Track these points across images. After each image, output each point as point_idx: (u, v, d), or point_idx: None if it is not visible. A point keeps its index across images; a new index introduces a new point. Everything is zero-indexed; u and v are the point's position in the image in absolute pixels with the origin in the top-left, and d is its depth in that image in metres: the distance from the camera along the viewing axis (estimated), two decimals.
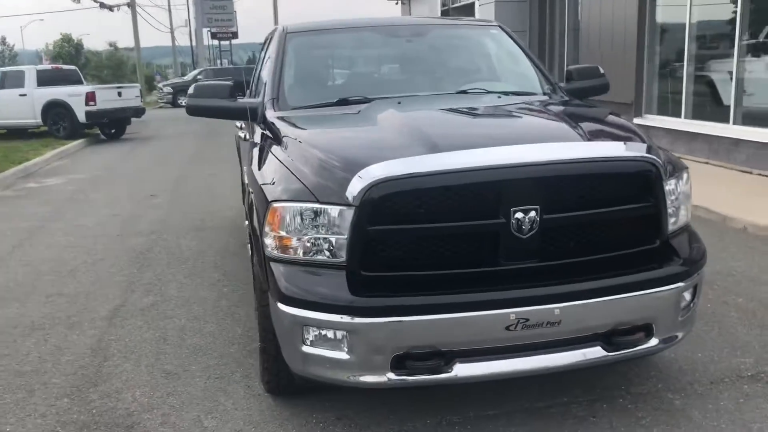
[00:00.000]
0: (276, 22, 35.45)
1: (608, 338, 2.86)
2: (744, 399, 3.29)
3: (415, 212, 2.71)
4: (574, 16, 14.01)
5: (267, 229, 2.93)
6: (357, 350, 2.70)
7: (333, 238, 2.75)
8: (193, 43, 46.97)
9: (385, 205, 2.67)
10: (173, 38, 56.57)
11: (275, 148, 3.36)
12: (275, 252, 2.91)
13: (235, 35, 42.65)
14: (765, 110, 8.85)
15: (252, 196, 3.31)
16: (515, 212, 2.71)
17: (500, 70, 4.43)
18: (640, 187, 2.91)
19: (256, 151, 3.65)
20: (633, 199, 2.90)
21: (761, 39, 8.82)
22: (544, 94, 4.12)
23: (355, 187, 2.67)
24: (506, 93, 4.03)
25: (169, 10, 57.46)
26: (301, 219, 2.81)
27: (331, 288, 2.75)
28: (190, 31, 48.44)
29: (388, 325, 2.66)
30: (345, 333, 2.70)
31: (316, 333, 2.77)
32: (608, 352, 2.86)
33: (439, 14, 19.68)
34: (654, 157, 2.90)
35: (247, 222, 3.77)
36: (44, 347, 4.37)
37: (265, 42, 5.46)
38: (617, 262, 2.91)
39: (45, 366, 4.09)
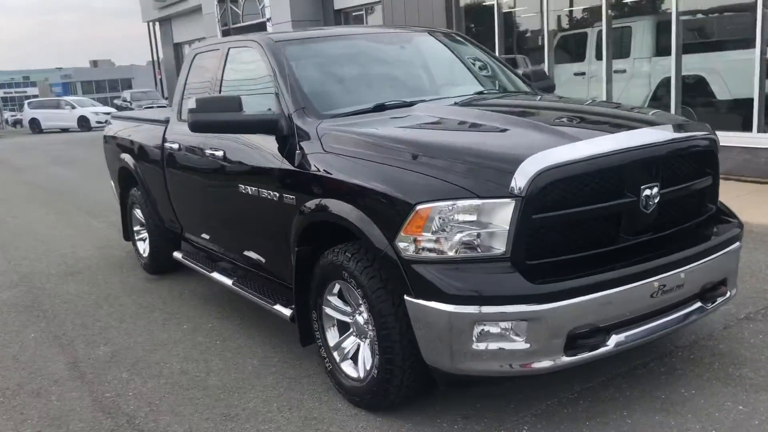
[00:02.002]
0: None
1: (703, 295, 3.25)
2: None
3: (568, 198, 2.85)
4: None
5: (407, 231, 2.85)
6: (537, 337, 2.76)
7: (491, 232, 2.77)
8: None
9: (547, 193, 2.78)
10: None
11: (361, 155, 3.24)
12: (421, 254, 2.85)
13: None
14: None
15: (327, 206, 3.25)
16: (644, 189, 2.98)
17: (492, 72, 4.67)
18: (707, 160, 3.36)
19: (315, 160, 3.46)
20: (702, 171, 3.35)
21: None
22: (535, 92, 4.46)
23: (521, 179, 2.73)
24: (516, 92, 4.30)
25: None
26: (455, 216, 2.79)
27: (504, 280, 2.77)
28: None
29: (567, 308, 2.76)
30: (526, 322, 2.74)
31: (491, 327, 2.77)
32: (706, 306, 3.25)
33: (220, 34, 19.31)
34: (714, 134, 3.37)
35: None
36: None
37: (190, 59, 5.11)
38: (698, 227, 3.33)
39: None
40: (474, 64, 4.68)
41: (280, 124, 3.76)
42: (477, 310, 2.75)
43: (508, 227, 2.75)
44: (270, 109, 3.94)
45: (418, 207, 2.82)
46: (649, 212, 3.04)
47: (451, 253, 2.82)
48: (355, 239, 3.32)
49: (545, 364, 2.82)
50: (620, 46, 10.29)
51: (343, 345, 3.52)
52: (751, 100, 8.10)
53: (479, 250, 2.80)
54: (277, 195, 3.73)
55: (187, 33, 24.19)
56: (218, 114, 3.78)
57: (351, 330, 3.50)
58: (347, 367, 3.48)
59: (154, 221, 5.94)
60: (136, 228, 6.49)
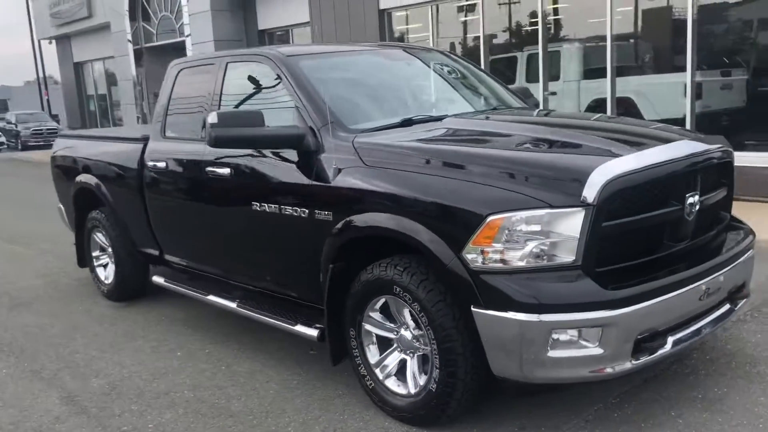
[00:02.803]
0: None
1: (730, 297, 3.46)
2: None
3: (629, 206, 2.97)
4: None
5: (476, 242, 2.87)
6: (610, 342, 2.83)
7: (562, 241, 2.84)
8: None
9: (614, 202, 2.87)
10: None
11: (413, 168, 3.22)
12: (489, 264, 2.87)
13: None
14: None
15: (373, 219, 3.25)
16: (688, 197, 3.15)
17: (493, 89, 4.77)
18: (726, 170, 3.59)
19: (355, 175, 3.41)
20: (722, 181, 3.57)
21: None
22: (535, 107, 4.62)
23: (592, 187, 2.81)
24: (523, 108, 4.42)
25: None
26: (526, 227, 2.83)
27: (578, 288, 2.83)
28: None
29: (637, 312, 2.85)
30: (600, 328, 2.81)
31: (565, 335, 2.82)
32: (732, 307, 3.46)
33: (132, 54, 18.64)
34: (730, 147, 3.61)
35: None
36: None
37: (174, 75, 4.93)
38: (719, 234, 3.55)
39: None
40: (477, 81, 4.77)
41: (306, 139, 3.68)
42: (553, 318, 2.79)
43: (578, 236, 2.82)
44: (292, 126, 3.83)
45: (490, 218, 2.84)
46: (690, 220, 3.20)
47: (521, 263, 2.85)
48: (402, 253, 3.30)
49: (616, 368, 2.89)
50: (550, 69, 10.77)
51: (386, 362, 3.47)
52: (677, 119, 8.66)
53: (550, 260, 2.85)
54: (306, 211, 3.64)
55: (90, 52, 23.16)
56: (242, 129, 3.67)
57: (394, 346, 3.45)
58: (392, 384, 3.43)
59: (123, 245, 5.62)
60: (95, 253, 6.13)
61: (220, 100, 4.42)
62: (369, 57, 4.50)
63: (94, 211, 5.89)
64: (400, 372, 3.44)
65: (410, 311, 3.25)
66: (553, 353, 2.83)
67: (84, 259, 6.27)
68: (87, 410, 3.85)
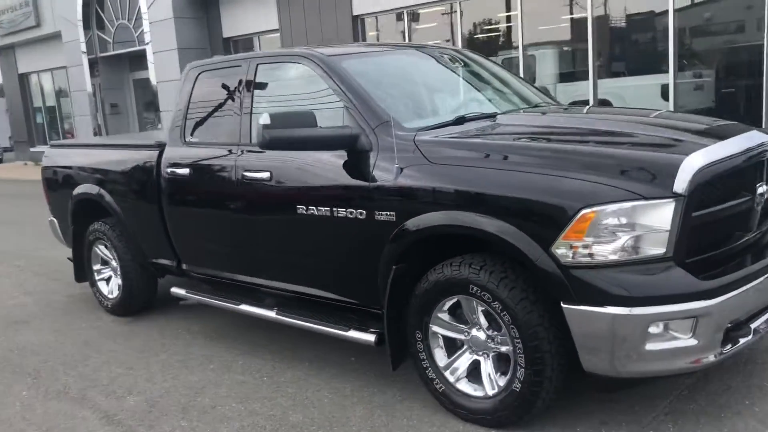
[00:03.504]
0: None
1: None
2: None
3: (713, 196, 2.98)
4: None
5: (567, 237, 2.84)
6: (705, 333, 2.83)
7: (654, 232, 2.83)
8: None
9: (702, 192, 2.88)
10: None
11: (489, 165, 3.17)
12: (580, 259, 2.84)
13: None
14: None
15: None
16: (758, 187, 3.19)
17: (523, 87, 4.75)
18: None
19: (423, 173, 3.34)
20: None
21: None
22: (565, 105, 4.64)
23: (683, 178, 2.81)
24: (558, 104, 4.43)
25: None
26: (618, 219, 2.82)
27: (673, 279, 2.82)
28: None
29: (729, 302, 2.87)
30: (695, 319, 2.81)
31: (661, 327, 2.81)
32: None
33: (86, 63, 18.07)
34: None
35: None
36: None
37: (193, 78, 4.77)
38: None
39: None
40: (506, 79, 4.76)
41: (360, 139, 3.59)
42: (650, 311, 2.77)
43: (669, 227, 2.81)
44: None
45: (583, 211, 2.80)
46: (758, 210, 3.24)
47: (613, 257, 2.83)
48: (471, 252, 3.25)
49: (710, 358, 2.90)
50: (528, 73, 10.91)
51: (456, 364, 3.40)
52: None
53: (641, 252, 2.83)
54: (363, 213, 3.54)
55: (37, 62, 22.31)
56: (295, 130, 3.56)
57: (465, 347, 3.38)
58: (465, 387, 3.36)
59: (132, 257, 5.40)
60: (96, 267, 5.86)
61: (252, 102, 4.28)
62: (401, 56, 4.44)
63: (97, 222, 5.63)
64: (473, 374, 3.37)
65: (486, 311, 3.19)
66: (649, 346, 2.81)
67: (83, 273, 5.99)
68: (133, 429, 3.66)
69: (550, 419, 3.29)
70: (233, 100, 4.39)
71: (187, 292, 4.90)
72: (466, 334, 3.35)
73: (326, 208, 3.73)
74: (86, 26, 17.77)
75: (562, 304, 2.90)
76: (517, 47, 10.54)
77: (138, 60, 17.67)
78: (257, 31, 14.34)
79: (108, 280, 5.82)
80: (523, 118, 3.84)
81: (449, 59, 4.58)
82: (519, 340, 3.05)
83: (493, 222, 3.02)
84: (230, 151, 4.31)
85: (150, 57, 15.63)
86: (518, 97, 4.49)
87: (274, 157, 4.02)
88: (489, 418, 3.25)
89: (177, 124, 4.80)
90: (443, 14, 11.18)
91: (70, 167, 5.89)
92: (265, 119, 3.54)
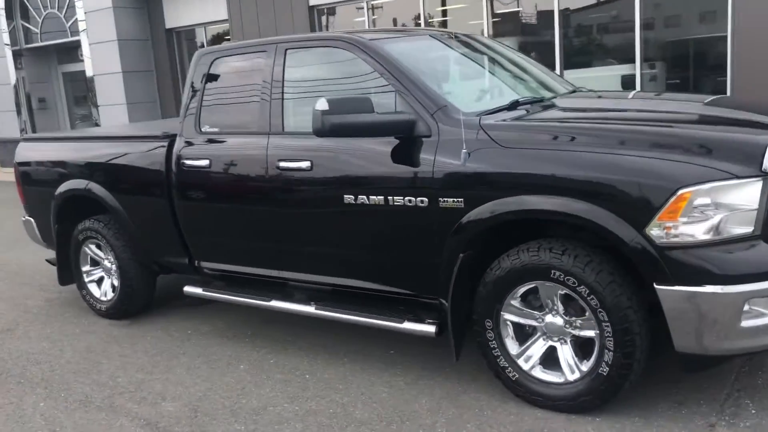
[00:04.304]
0: None
1: None
2: None
3: None
4: None
5: (662, 218, 2.84)
6: None
7: (744, 211, 2.87)
8: None
9: None
10: None
11: (569, 148, 3.13)
12: (672, 239, 2.85)
13: None
14: None
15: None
16: None
17: (547, 72, 4.73)
18: None
19: (494, 157, 3.27)
20: None
21: None
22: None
23: None
24: (593, 90, 4.45)
25: None
26: (713, 199, 2.84)
27: (764, 256, 2.87)
28: None
29: None
30: None
31: (758, 304, 2.85)
32: None
33: (10, 55, 17.00)
34: None
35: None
36: None
37: (207, 64, 4.53)
38: None
39: None
40: (533, 65, 4.74)
41: (418, 124, 3.49)
42: (746, 289, 2.81)
43: (758, 205, 2.85)
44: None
45: (680, 191, 2.81)
46: None
47: (705, 237, 2.85)
48: (547, 236, 3.21)
49: None
50: None
51: (530, 351, 3.36)
52: None
53: (730, 231, 2.86)
54: (425, 200, 3.44)
55: None
56: (353, 116, 3.42)
57: (538, 334, 3.35)
58: (539, 373, 3.32)
59: (132, 255, 5.09)
60: (85, 268, 5.50)
61: (283, 88, 4.09)
62: (427, 41, 4.32)
63: (87, 220, 5.28)
64: (547, 360, 3.33)
65: (565, 295, 3.16)
66: (744, 323, 2.84)
67: (68, 275, 5.61)
68: None
69: (628, 402, 3.29)
70: (259, 86, 4.18)
71: (204, 290, 4.65)
72: (540, 320, 3.31)
73: (379, 197, 3.61)
74: (9, 16, 16.70)
75: (656, 285, 2.90)
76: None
77: (68, 52, 16.74)
78: (203, 22, 13.85)
79: (99, 281, 5.48)
80: (581, 101, 3.83)
81: (484, 46, 4.52)
82: (608, 324, 3.03)
83: (583, 205, 2.99)
84: (259, 140, 4.11)
85: (85, 49, 14.83)
86: (547, 83, 4.48)
87: (313, 145, 3.87)
88: (571, 403, 3.22)
89: (190, 114, 4.53)
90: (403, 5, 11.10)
91: (54, 162, 5.49)
92: (322, 105, 3.39)
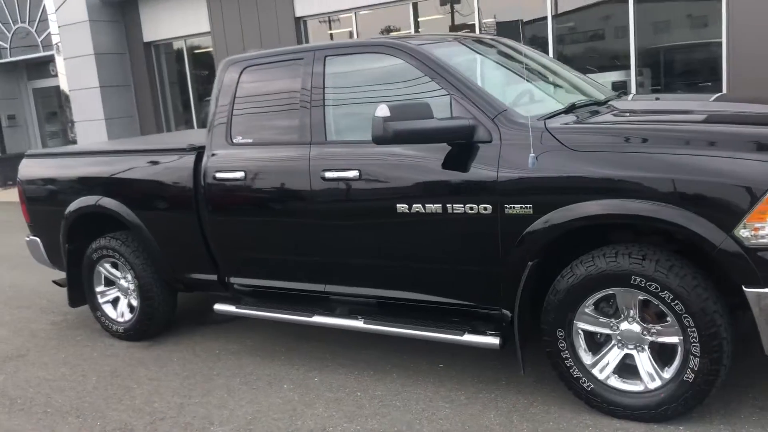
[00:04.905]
0: None
1: None
2: None
3: None
4: (177, 70, 14.06)
5: (752, 219, 2.79)
6: None
7: None
8: None
9: None
10: None
11: (647, 150, 3.06)
12: (761, 240, 2.80)
13: None
14: None
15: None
16: None
17: (582, 77, 4.67)
18: None
19: (565, 161, 3.18)
20: None
21: None
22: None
23: None
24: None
25: None
26: None
27: None
28: None
29: None
30: None
31: None
32: None
33: None
34: None
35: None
36: None
37: (236, 72, 4.38)
38: None
39: None
40: (565, 70, 4.68)
41: (478, 129, 3.39)
42: None
43: None
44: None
45: None
46: None
47: None
48: (617, 242, 3.14)
49: None
50: None
51: (605, 360, 3.27)
52: None
53: None
54: (489, 207, 3.34)
55: None
56: (417, 122, 3.31)
57: (612, 342, 3.26)
58: (616, 383, 3.23)
59: (154, 273, 4.89)
60: (99, 288, 5.26)
61: (324, 96, 3.96)
62: (462, 47, 4.22)
63: (103, 238, 5.06)
64: (622, 368, 3.25)
65: (644, 301, 3.09)
66: None
67: (80, 297, 5.37)
68: None
69: (707, 409, 3.22)
70: (298, 95, 4.04)
71: (237, 307, 4.46)
72: (614, 327, 3.23)
73: (436, 206, 3.50)
74: None
75: (745, 288, 2.84)
76: None
77: (38, 67, 16.32)
78: (184, 35, 13.59)
79: (115, 301, 5.25)
80: (640, 104, 3.78)
81: (502, 48, 4.45)
82: (693, 329, 2.96)
83: (668, 209, 2.91)
84: (300, 150, 3.96)
85: (60, 63, 14.44)
86: (585, 88, 4.42)
87: (361, 153, 3.74)
88: (652, 412, 3.13)
89: (220, 123, 4.36)
90: (390, 16, 11.05)
91: (64, 178, 5.25)
92: (383, 111, 3.26)
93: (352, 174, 3.75)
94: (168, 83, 14.48)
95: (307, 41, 11.83)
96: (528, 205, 3.25)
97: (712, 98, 4.17)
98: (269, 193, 4.13)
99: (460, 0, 10.64)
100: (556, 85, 4.28)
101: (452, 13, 10.78)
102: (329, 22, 11.83)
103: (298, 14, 11.70)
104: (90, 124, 14.05)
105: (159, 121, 14.33)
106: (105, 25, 13.91)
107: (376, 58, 3.89)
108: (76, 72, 14.09)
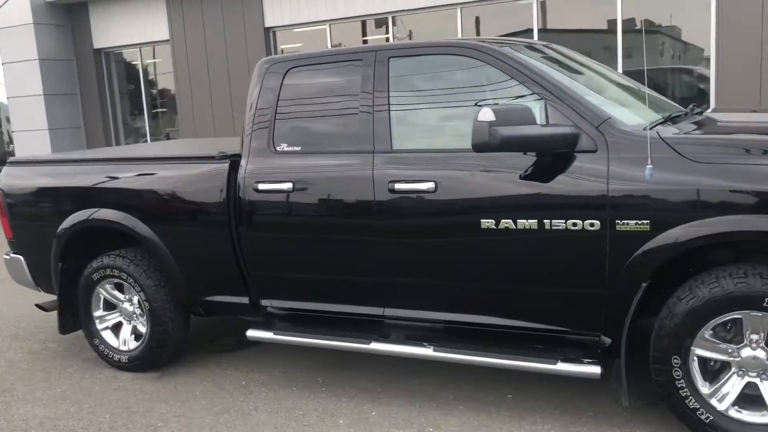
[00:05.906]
0: None
1: None
2: None
3: None
4: (129, 79, 13.42)
5: None
6: None
7: None
8: None
9: None
10: None
11: None
12: None
13: None
14: None
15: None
16: None
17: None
18: None
19: (684, 172, 2.95)
20: None
21: None
22: None
23: None
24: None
25: None
26: None
27: None
28: None
29: None
30: None
31: None
32: None
33: None
34: None
35: None
36: None
37: (280, 74, 3.98)
38: None
39: None
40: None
41: (581, 138, 3.12)
42: None
43: None
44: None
45: None
46: None
47: None
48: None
49: None
50: None
51: (724, 389, 3.03)
52: None
53: None
54: (597, 223, 3.07)
55: None
56: (525, 127, 3.01)
57: (732, 369, 3.02)
58: (737, 414, 2.99)
59: (169, 295, 4.37)
60: (98, 313, 4.68)
61: (389, 100, 3.61)
62: (545, 50, 3.97)
63: (105, 256, 4.51)
64: (744, 398, 3.01)
65: None
66: None
67: (72, 322, 4.77)
68: None
69: None
70: (357, 99, 3.67)
71: (275, 333, 4.00)
72: (734, 354, 2.99)
73: (531, 221, 3.20)
74: None
75: None
76: None
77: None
78: (139, 42, 12.88)
79: (116, 327, 4.68)
80: (739, 115, 3.59)
81: (591, 62, 4.23)
82: None
83: None
84: (362, 160, 3.59)
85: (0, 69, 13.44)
86: (659, 101, 4.22)
87: (436, 163, 3.42)
88: None
89: (259, 130, 3.93)
90: (377, 27, 10.76)
91: (58, 189, 4.67)
92: (488, 115, 2.95)
93: (427, 186, 3.41)
94: (119, 93, 13.68)
95: (275, 53, 11.39)
96: (645, 221, 2.98)
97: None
98: (323, 207, 3.73)
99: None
100: (629, 96, 4.05)
101: None
102: (299, 33, 11.44)
103: (267, 24, 11.26)
104: (32, 134, 13.10)
105: (108, 133, 13.50)
106: (51, 28, 13.05)
107: (448, 60, 3.58)
108: (17, 78, 13.14)
